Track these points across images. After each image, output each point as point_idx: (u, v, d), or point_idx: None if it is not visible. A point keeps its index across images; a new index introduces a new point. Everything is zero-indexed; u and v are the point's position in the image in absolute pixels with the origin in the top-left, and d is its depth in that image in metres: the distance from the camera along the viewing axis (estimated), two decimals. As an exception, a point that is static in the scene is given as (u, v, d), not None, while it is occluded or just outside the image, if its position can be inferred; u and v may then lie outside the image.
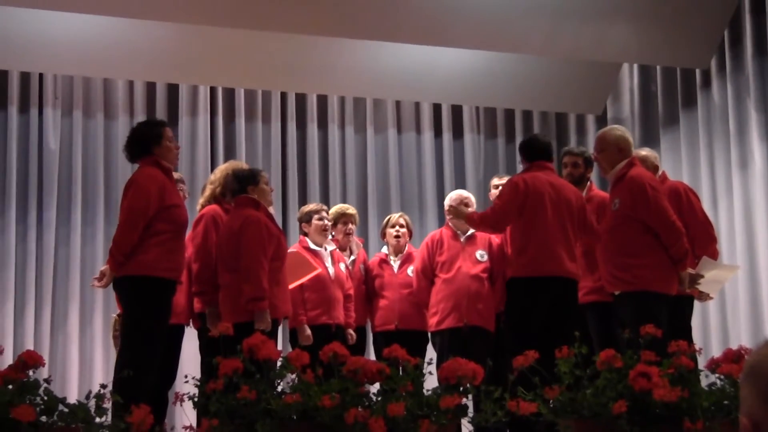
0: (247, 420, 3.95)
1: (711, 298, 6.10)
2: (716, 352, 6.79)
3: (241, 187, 5.56)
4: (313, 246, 6.38)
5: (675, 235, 5.29)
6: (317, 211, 6.50)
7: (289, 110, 9.13)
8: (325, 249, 6.43)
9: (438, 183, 9.38)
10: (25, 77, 8.47)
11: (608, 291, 5.41)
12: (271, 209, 5.81)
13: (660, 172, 6.00)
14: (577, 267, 5.62)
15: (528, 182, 5.61)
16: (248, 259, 5.29)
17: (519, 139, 9.05)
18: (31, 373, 4.05)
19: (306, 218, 6.51)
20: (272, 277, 5.36)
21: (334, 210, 6.86)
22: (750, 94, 7.63)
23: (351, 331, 6.42)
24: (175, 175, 5.52)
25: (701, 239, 5.80)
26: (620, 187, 5.43)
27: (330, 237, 6.59)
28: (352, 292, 6.51)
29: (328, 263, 6.36)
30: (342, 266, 6.48)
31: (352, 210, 6.92)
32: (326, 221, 6.48)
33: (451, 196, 6.68)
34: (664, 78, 8.69)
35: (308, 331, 6.06)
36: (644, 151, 6.12)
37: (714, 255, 5.84)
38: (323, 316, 6.23)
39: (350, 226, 6.76)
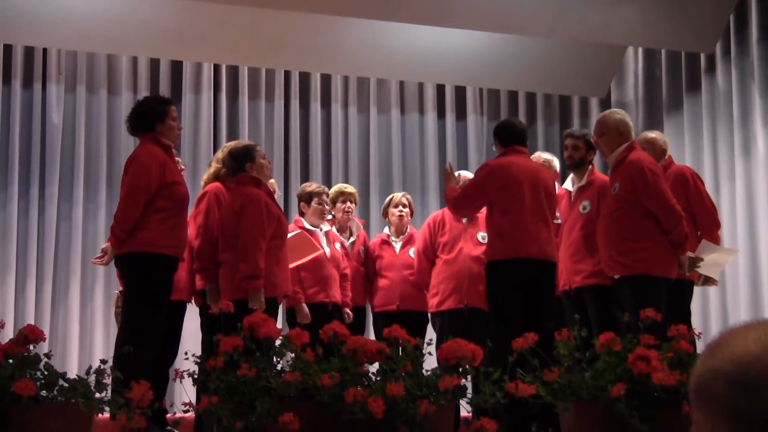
0: (247, 398, 3.96)
1: (715, 283, 6.10)
2: (715, 336, 6.79)
3: (239, 165, 5.52)
4: (308, 226, 6.37)
5: (674, 219, 5.28)
6: (318, 194, 6.44)
7: (293, 89, 9.12)
8: (321, 229, 6.42)
9: (440, 164, 9.35)
10: (29, 52, 8.46)
11: (608, 275, 5.41)
12: (272, 182, 5.77)
13: (666, 156, 5.98)
14: (555, 249, 5.63)
15: (504, 168, 5.58)
16: (246, 238, 5.27)
17: (522, 121, 9.03)
18: (31, 347, 4.07)
19: (306, 198, 6.46)
20: (272, 256, 5.35)
21: (333, 189, 6.84)
22: (755, 80, 7.61)
23: (348, 310, 6.43)
24: None
25: (707, 224, 5.81)
26: (620, 171, 5.42)
27: (329, 218, 6.59)
28: (348, 271, 6.51)
29: (324, 243, 6.36)
30: (338, 246, 6.48)
31: (351, 189, 6.90)
32: (325, 205, 6.46)
33: (455, 177, 6.68)
34: (668, 62, 8.66)
35: (306, 310, 6.05)
36: (653, 134, 6.10)
37: (717, 240, 5.84)
38: (320, 294, 6.23)
39: (349, 204, 6.74)
